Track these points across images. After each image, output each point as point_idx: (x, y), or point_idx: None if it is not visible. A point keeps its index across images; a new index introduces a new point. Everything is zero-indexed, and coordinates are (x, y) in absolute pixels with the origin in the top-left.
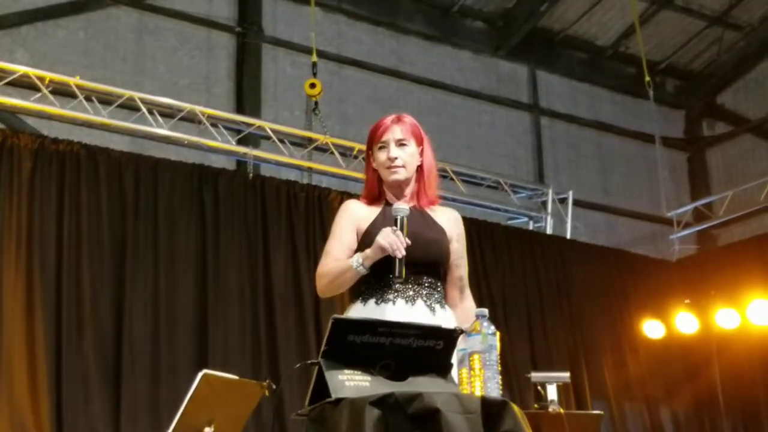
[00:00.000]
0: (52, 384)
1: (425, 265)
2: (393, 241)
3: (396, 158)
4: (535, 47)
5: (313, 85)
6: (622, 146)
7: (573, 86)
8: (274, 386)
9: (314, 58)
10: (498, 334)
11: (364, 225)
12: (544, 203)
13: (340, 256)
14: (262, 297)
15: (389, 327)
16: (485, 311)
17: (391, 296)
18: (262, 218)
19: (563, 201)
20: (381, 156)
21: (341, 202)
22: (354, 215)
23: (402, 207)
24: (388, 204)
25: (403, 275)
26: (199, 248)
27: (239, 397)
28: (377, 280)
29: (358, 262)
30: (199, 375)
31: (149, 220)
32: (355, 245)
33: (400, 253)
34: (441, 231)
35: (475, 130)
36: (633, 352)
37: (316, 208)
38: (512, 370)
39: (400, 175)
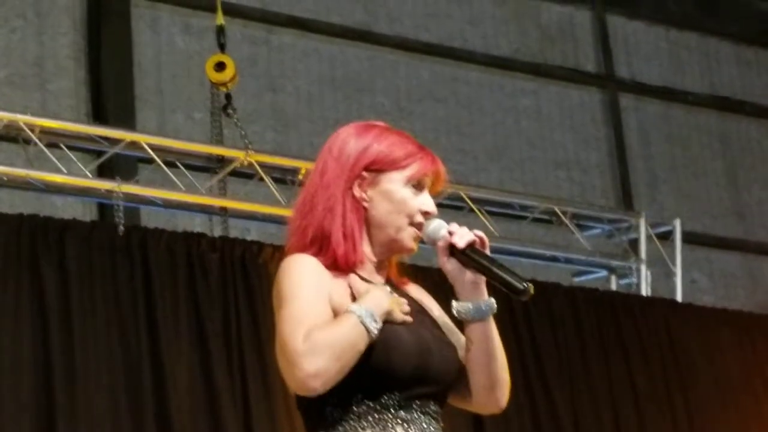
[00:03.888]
0: None
1: (438, 385)
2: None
3: (433, 213)
4: None
5: (221, 66)
6: (764, 138)
7: (671, 39)
8: None
9: (220, 18)
10: None
11: (336, 302)
12: (635, 243)
13: (322, 320)
14: (151, 425)
15: None
16: None
17: (398, 429)
18: (146, 301)
19: (667, 237)
20: (413, 201)
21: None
22: (322, 277)
23: (441, 223)
24: (359, 276)
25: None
26: (39, 353)
27: None
28: (367, 398)
29: (368, 313)
30: None
31: None
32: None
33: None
34: (439, 325)
35: (509, 125)
36: None
37: (239, 278)
38: None
39: (427, 244)
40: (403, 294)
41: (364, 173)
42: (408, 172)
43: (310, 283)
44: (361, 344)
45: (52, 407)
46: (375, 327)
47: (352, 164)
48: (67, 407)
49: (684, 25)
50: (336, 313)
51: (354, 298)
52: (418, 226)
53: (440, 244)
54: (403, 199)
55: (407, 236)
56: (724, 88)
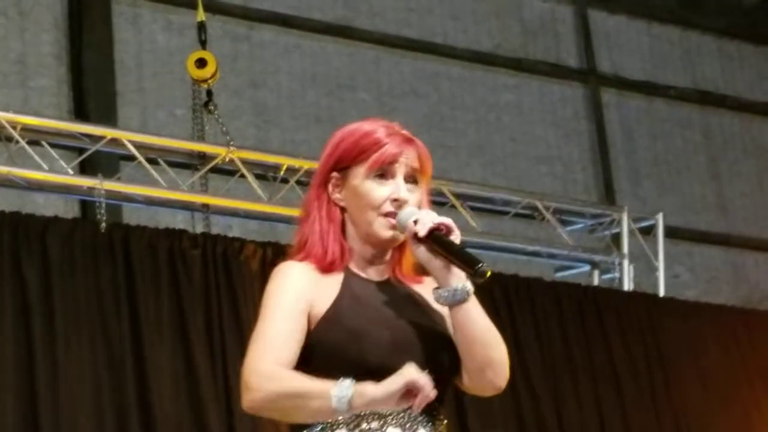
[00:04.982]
0: None
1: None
2: (425, 382)
3: (407, 201)
4: None
5: (202, 62)
6: (747, 132)
7: (653, 33)
8: None
9: (201, 14)
10: None
11: (320, 304)
12: (617, 237)
13: (286, 354)
14: (135, 423)
15: None
16: None
17: (374, 424)
18: (129, 298)
19: (649, 232)
20: (376, 191)
21: (265, 260)
22: (302, 286)
23: (412, 210)
24: (353, 272)
25: (488, 267)
26: (22, 351)
27: None
28: None
29: (344, 397)
30: None
31: None
32: (302, 337)
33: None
34: (441, 317)
35: (491, 121)
36: None
37: (221, 275)
38: None
39: (401, 233)
40: (404, 289)
41: (334, 174)
42: (369, 163)
43: (284, 299)
44: (314, 405)
45: (35, 404)
46: (343, 403)
47: (322, 168)
48: (50, 403)
49: (666, 20)
50: (315, 313)
51: (343, 294)
52: (391, 215)
53: (406, 233)
54: (366, 192)
55: (379, 227)
56: (707, 83)
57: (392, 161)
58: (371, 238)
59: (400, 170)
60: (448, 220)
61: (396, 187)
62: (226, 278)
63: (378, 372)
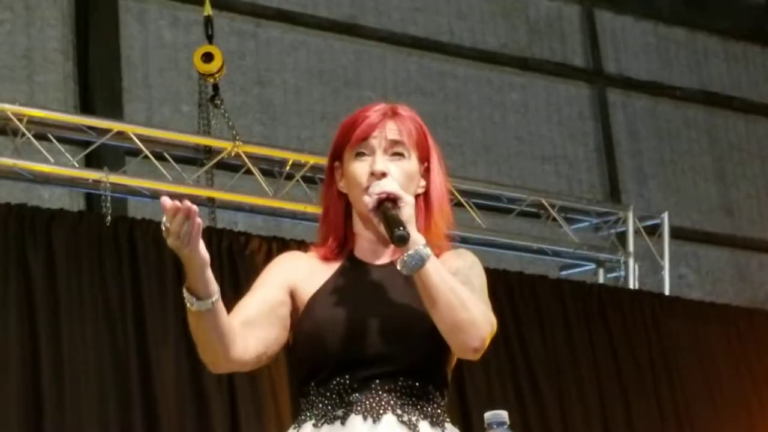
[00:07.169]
0: None
1: (402, 360)
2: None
3: (384, 174)
4: None
5: (208, 57)
6: (752, 134)
7: (659, 34)
8: None
9: (208, 9)
10: None
11: (306, 288)
12: (622, 236)
13: (245, 311)
14: (139, 416)
15: None
16: (503, 416)
17: (339, 412)
18: (133, 291)
19: (654, 231)
20: (358, 169)
21: (270, 255)
22: (288, 268)
23: (377, 183)
24: (354, 258)
25: (406, 233)
26: (26, 343)
27: None
28: (320, 386)
29: (186, 292)
30: None
31: None
32: (280, 309)
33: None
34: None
35: (496, 119)
36: None
37: (226, 269)
38: None
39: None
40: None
41: (336, 163)
42: (354, 145)
43: (263, 278)
44: (194, 322)
45: (39, 397)
46: (190, 300)
47: (328, 160)
48: (54, 396)
49: (672, 20)
50: (301, 300)
51: (328, 283)
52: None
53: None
54: (352, 173)
55: (366, 203)
56: (713, 84)
57: (367, 135)
58: (362, 216)
59: (378, 143)
60: (391, 188)
61: (373, 161)
62: (231, 273)
63: (341, 361)
